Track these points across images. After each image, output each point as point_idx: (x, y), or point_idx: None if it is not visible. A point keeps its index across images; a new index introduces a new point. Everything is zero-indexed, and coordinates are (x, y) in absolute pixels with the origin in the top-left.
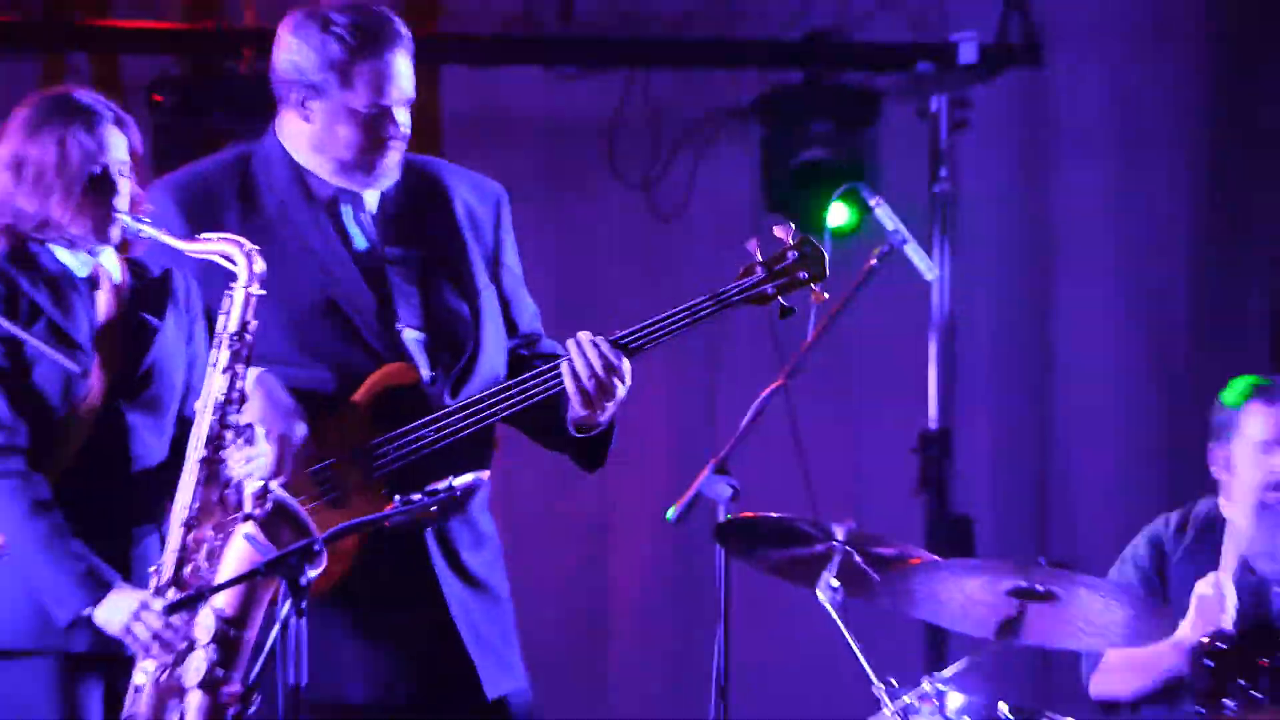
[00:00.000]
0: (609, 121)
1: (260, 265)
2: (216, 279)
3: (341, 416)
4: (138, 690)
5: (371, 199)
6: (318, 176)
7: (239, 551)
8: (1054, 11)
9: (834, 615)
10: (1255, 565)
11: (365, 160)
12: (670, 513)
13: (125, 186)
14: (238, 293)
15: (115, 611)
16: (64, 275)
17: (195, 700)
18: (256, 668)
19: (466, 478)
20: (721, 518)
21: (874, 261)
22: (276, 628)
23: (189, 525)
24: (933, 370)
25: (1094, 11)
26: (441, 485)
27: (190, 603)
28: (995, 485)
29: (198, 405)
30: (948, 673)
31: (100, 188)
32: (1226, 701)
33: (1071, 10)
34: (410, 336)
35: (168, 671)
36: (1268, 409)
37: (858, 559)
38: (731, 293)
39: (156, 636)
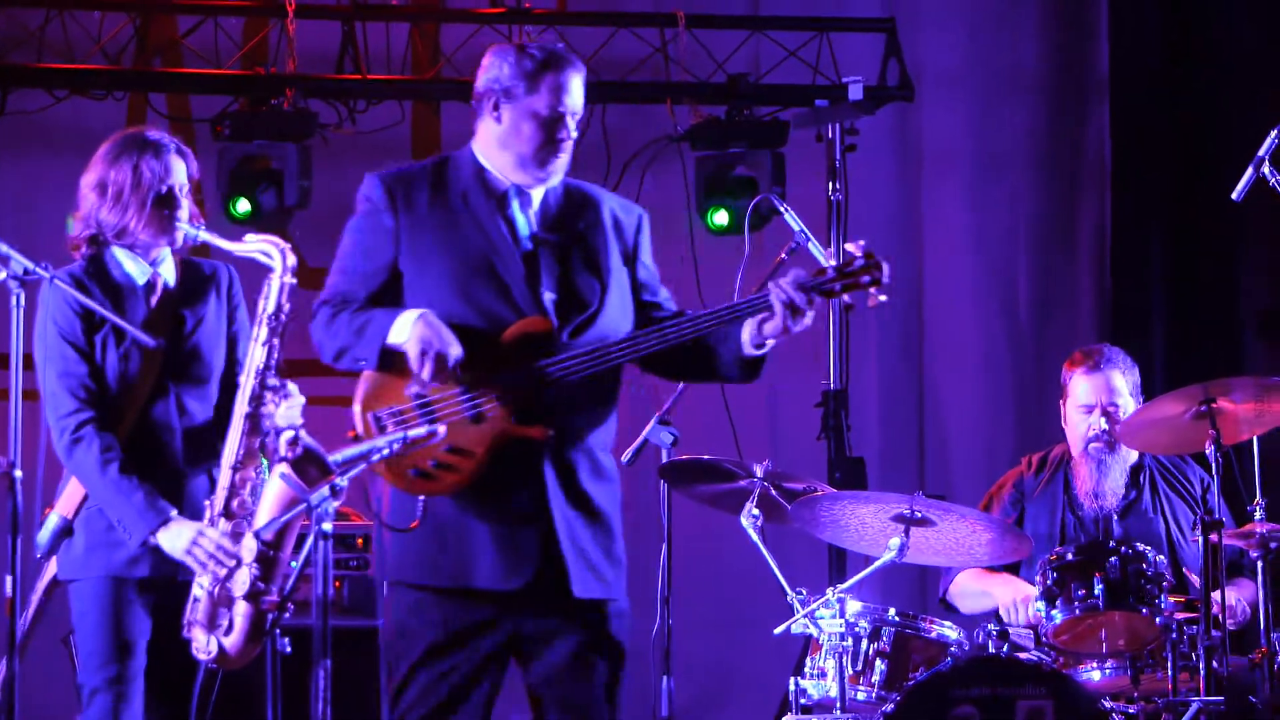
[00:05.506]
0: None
1: (292, 260)
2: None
3: (487, 352)
4: (196, 600)
5: (536, 197)
6: (496, 175)
7: (276, 489)
8: (922, 60)
9: (755, 538)
10: (1093, 499)
11: (540, 156)
12: (625, 456)
13: (185, 202)
14: (274, 281)
15: (177, 539)
16: (127, 283)
17: (242, 608)
18: (290, 583)
19: (420, 430)
20: (664, 460)
21: (784, 255)
22: (306, 549)
23: (235, 468)
24: (831, 341)
25: (954, 61)
26: (412, 433)
27: (273, 528)
28: (882, 433)
29: (242, 374)
30: (847, 584)
31: (166, 203)
32: (1064, 606)
33: (936, 59)
34: (548, 298)
35: (220, 585)
36: (1087, 377)
37: (773, 492)
38: (808, 285)
39: (211, 556)
